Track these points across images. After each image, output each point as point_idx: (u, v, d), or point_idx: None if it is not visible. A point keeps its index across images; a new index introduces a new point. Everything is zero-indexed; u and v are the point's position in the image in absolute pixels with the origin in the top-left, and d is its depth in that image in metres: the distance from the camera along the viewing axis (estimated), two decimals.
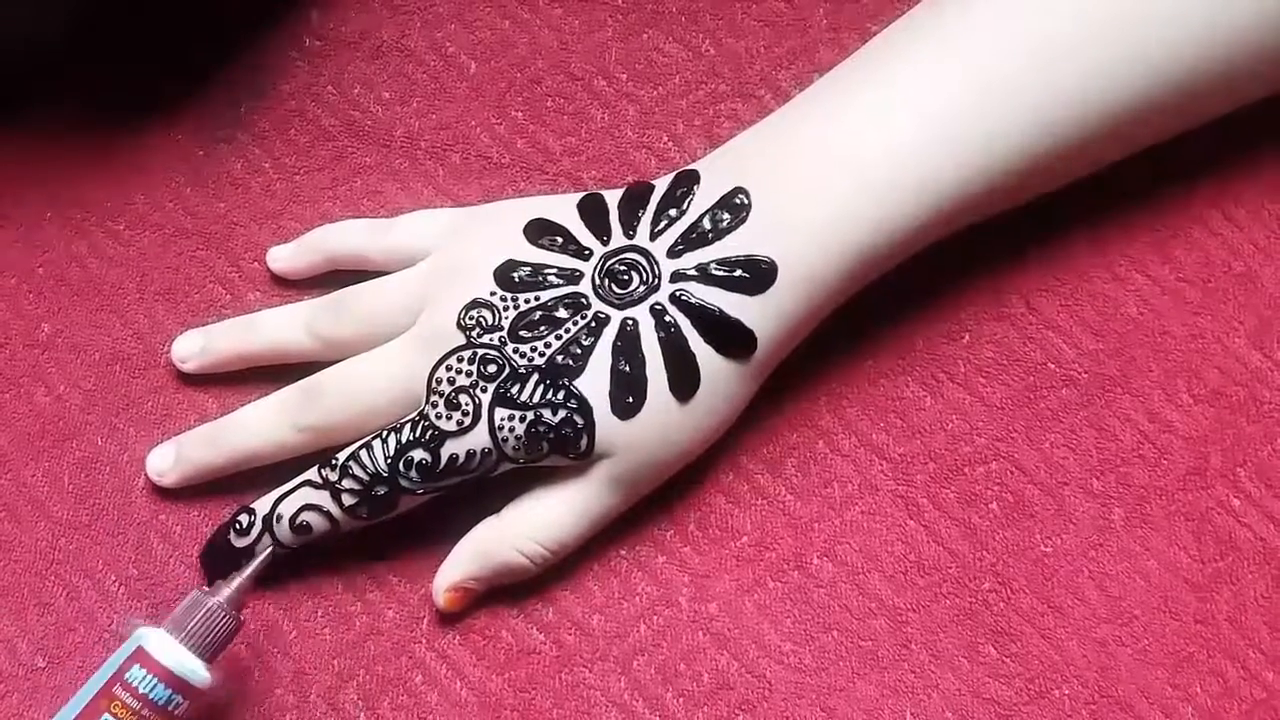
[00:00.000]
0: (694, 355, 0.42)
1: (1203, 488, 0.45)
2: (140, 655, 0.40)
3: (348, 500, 0.43)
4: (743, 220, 0.42)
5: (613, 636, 0.44)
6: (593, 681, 0.44)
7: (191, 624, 0.41)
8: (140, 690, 0.40)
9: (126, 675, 0.40)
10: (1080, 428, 0.45)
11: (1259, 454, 0.45)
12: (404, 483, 0.42)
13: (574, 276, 0.43)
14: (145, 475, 0.45)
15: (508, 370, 0.42)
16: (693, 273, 0.42)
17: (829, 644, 0.44)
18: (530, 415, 0.42)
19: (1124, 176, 0.45)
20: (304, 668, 0.44)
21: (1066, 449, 0.45)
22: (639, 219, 0.44)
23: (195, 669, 0.41)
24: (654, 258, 0.43)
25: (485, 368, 0.42)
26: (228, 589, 0.41)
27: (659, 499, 0.45)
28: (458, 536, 0.44)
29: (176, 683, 0.40)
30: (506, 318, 0.42)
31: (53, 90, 0.50)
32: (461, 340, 0.42)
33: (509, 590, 0.44)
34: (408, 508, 0.43)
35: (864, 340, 0.46)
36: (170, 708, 0.40)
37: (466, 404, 0.42)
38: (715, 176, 0.43)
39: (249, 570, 0.42)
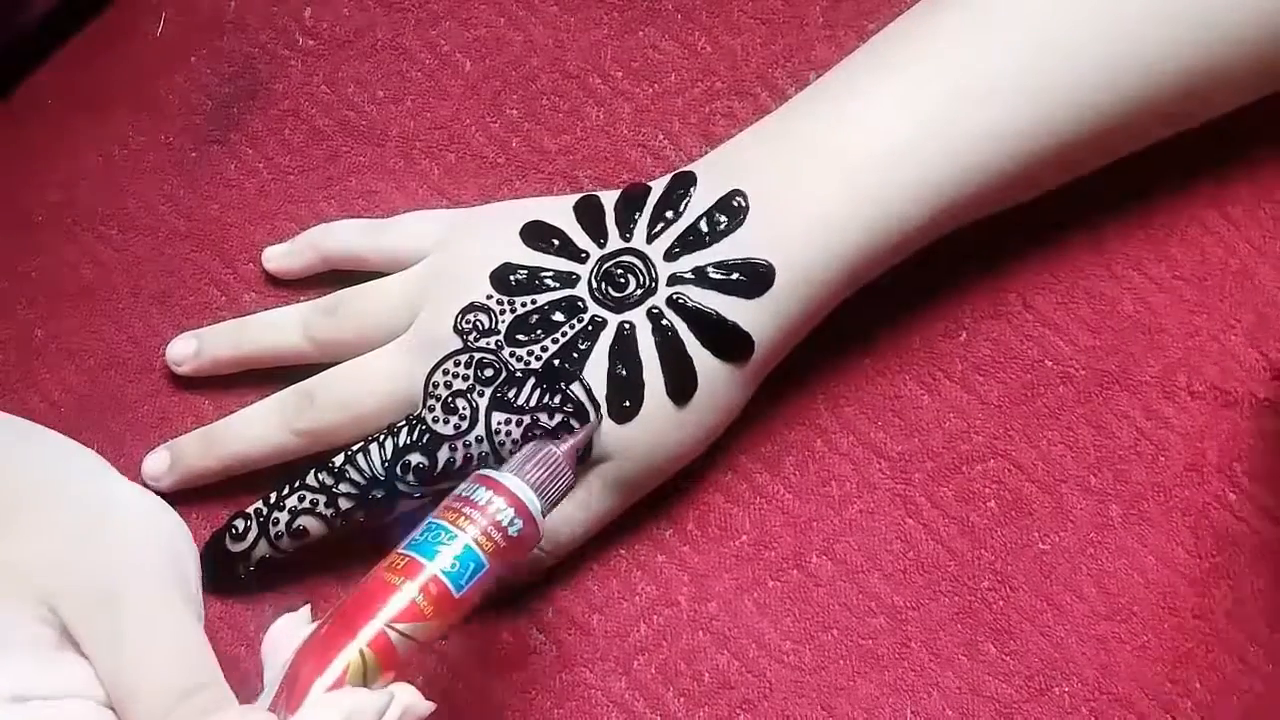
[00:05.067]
0: (691, 359, 0.42)
1: (1200, 484, 0.45)
2: (485, 479, 0.39)
3: (345, 504, 0.42)
4: (740, 223, 0.42)
5: (613, 636, 0.44)
6: (593, 681, 0.44)
7: (533, 469, 0.39)
8: (487, 508, 0.38)
9: (472, 494, 0.38)
10: (1078, 425, 0.45)
11: (1255, 449, 0.45)
12: (401, 486, 0.42)
13: (570, 280, 0.43)
14: (142, 479, 0.45)
15: (504, 374, 0.42)
16: (690, 276, 0.42)
17: (829, 642, 0.44)
18: (527, 419, 0.42)
19: (1121, 175, 0.45)
20: None
21: (1064, 446, 0.45)
22: (635, 221, 0.43)
23: (535, 504, 0.39)
24: (651, 260, 0.43)
25: (482, 371, 0.42)
26: (563, 445, 0.40)
27: (658, 499, 0.45)
28: None
29: (523, 511, 0.38)
30: (503, 321, 0.42)
31: (41, 92, 0.50)
32: (458, 344, 0.42)
33: (509, 590, 0.44)
34: (405, 511, 0.43)
35: (862, 339, 0.46)
36: (513, 533, 0.38)
37: (463, 408, 0.42)
38: (712, 178, 0.43)
39: (582, 434, 0.41)
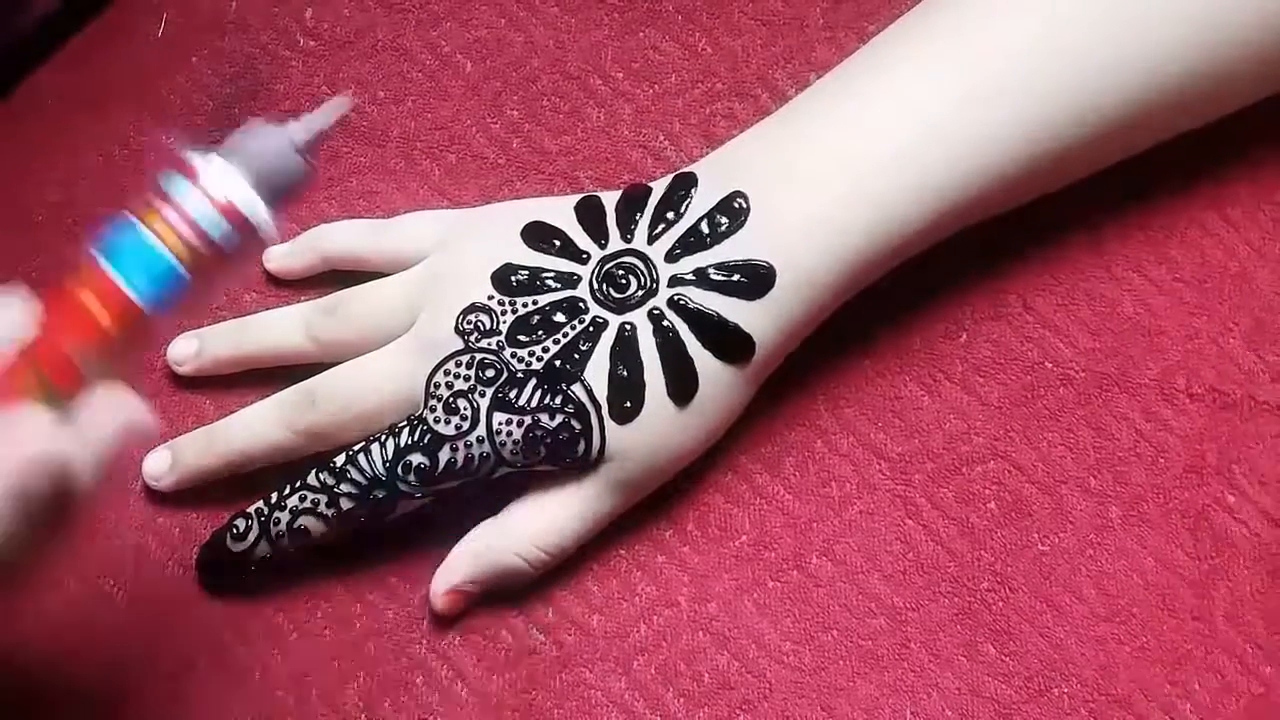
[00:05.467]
0: (692, 360, 0.42)
1: (1199, 485, 0.45)
2: (189, 172, 0.33)
3: (346, 504, 0.42)
4: (741, 224, 0.42)
5: (613, 636, 0.44)
6: (593, 681, 0.44)
7: (252, 155, 0.33)
8: (185, 208, 0.32)
9: (168, 187, 0.33)
10: (1077, 427, 0.46)
11: (1253, 451, 0.45)
12: (402, 487, 0.42)
13: (571, 280, 0.43)
14: (142, 479, 0.45)
15: (506, 375, 0.42)
16: (690, 277, 0.42)
17: (829, 643, 0.44)
18: (528, 420, 0.42)
19: (1121, 177, 0.45)
20: (304, 669, 0.44)
21: (1064, 448, 0.45)
22: (636, 222, 0.43)
23: (255, 206, 0.33)
24: (652, 261, 0.43)
25: (483, 372, 0.42)
26: (299, 127, 0.34)
27: (658, 499, 0.45)
28: (457, 537, 0.44)
29: (233, 215, 0.33)
30: (504, 322, 0.42)
31: (41, 92, 0.50)
32: (459, 345, 0.42)
33: (509, 590, 0.44)
34: (405, 511, 0.43)
35: (862, 339, 0.46)
36: (219, 240, 0.33)
37: (465, 408, 0.42)
38: (713, 180, 0.43)
39: (323, 114, 0.35)
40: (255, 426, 0.44)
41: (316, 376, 0.44)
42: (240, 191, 0.33)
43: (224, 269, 0.34)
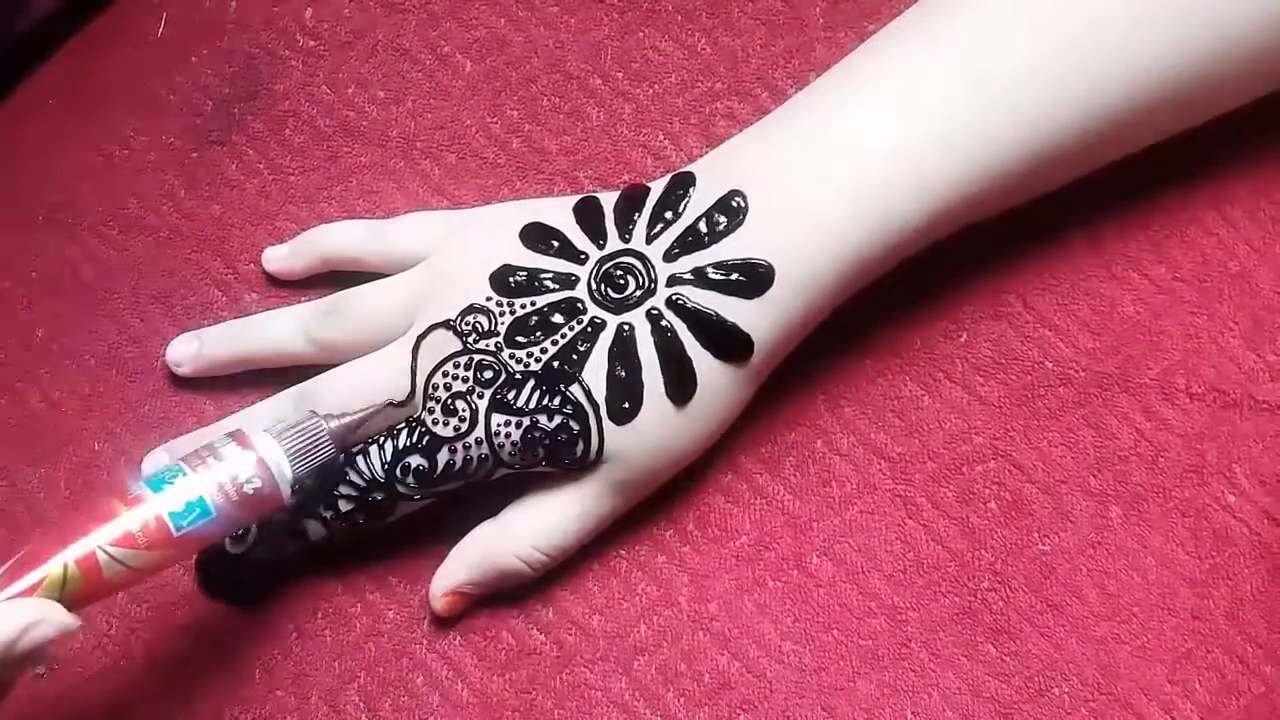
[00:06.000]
0: (691, 360, 0.42)
1: (1199, 485, 0.45)
2: (238, 435, 0.39)
3: (345, 506, 0.42)
4: (740, 223, 0.42)
5: (613, 636, 0.44)
6: (594, 682, 0.44)
7: (291, 436, 0.40)
8: (227, 460, 0.39)
9: (220, 447, 0.39)
10: (1078, 426, 0.45)
11: (1253, 451, 0.45)
12: (401, 489, 0.42)
13: (570, 281, 0.43)
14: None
15: (504, 376, 0.42)
16: (689, 277, 0.42)
17: (829, 643, 0.44)
18: (526, 421, 0.42)
19: (1121, 176, 0.45)
20: (304, 669, 0.44)
21: (1064, 447, 0.45)
22: (635, 222, 0.43)
23: (285, 470, 0.39)
24: (650, 261, 0.43)
25: (481, 373, 0.42)
26: (337, 420, 0.41)
27: (658, 499, 0.45)
28: (457, 537, 0.44)
29: (264, 471, 0.39)
30: (502, 323, 0.42)
31: (41, 92, 0.50)
32: (458, 346, 0.42)
33: (509, 591, 0.44)
34: (405, 513, 0.43)
35: (862, 339, 0.46)
36: (248, 490, 0.39)
37: (463, 410, 0.42)
38: (711, 179, 0.43)
39: (361, 414, 0.41)
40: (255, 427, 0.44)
41: (316, 378, 0.44)
42: (276, 457, 0.39)
43: (249, 511, 0.39)
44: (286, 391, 0.44)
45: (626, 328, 0.42)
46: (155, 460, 0.45)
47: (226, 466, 0.39)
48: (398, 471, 0.42)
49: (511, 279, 0.43)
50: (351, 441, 0.41)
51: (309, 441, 0.40)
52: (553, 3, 0.50)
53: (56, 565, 0.36)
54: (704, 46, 0.50)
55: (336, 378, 0.44)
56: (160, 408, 0.47)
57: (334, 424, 0.41)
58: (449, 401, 0.42)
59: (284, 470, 0.39)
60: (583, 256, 0.43)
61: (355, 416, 0.41)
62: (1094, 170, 0.45)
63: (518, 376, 0.42)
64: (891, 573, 0.44)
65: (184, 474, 0.38)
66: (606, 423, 0.42)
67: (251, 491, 0.39)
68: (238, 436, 0.39)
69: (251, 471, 0.39)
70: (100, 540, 0.37)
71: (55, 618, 0.36)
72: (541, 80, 0.50)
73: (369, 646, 0.44)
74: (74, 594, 0.36)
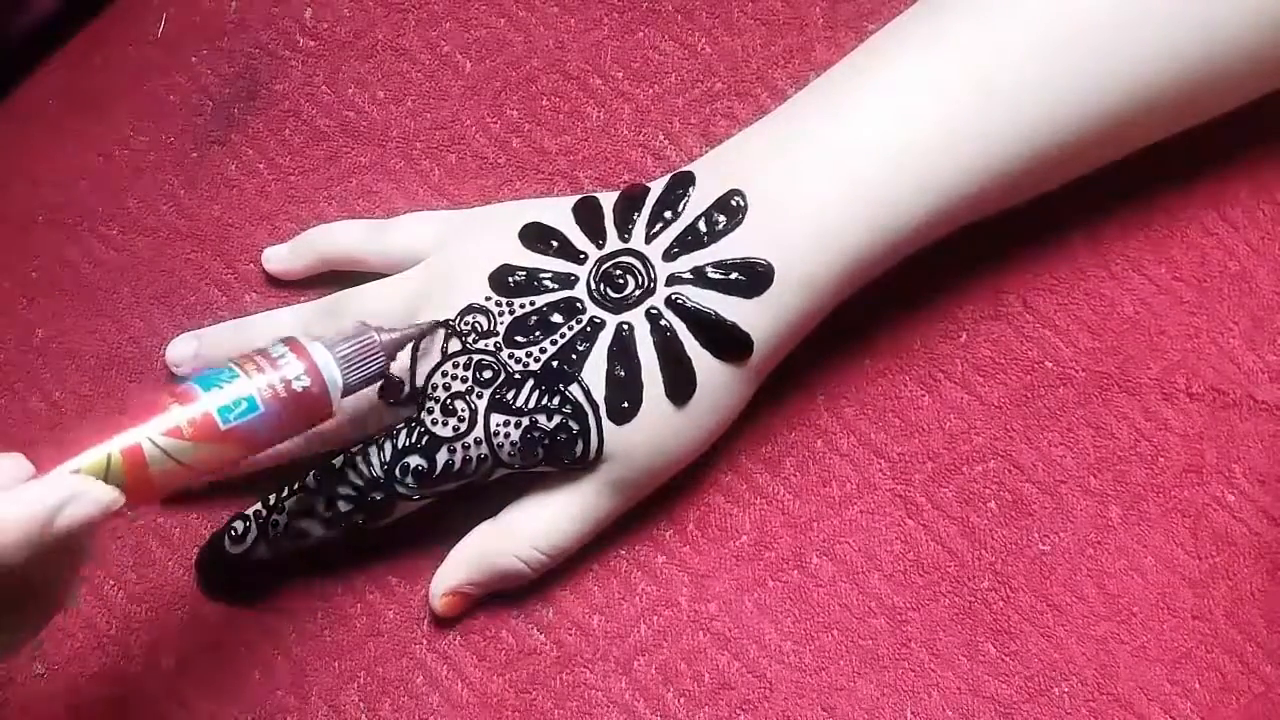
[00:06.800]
0: (690, 359, 0.42)
1: (1199, 485, 0.45)
2: (291, 342, 0.39)
3: (344, 506, 0.42)
4: (739, 222, 0.42)
5: (613, 636, 0.44)
6: (594, 682, 0.44)
7: (345, 346, 0.40)
8: (279, 361, 0.38)
9: (273, 351, 0.39)
10: (1077, 426, 0.45)
11: (1253, 451, 0.45)
12: (400, 489, 0.42)
13: (569, 281, 0.43)
14: None
15: (503, 376, 0.42)
16: (688, 276, 0.42)
17: (829, 643, 0.44)
18: (525, 421, 0.42)
19: (1121, 176, 0.45)
20: (304, 669, 0.44)
21: (1064, 447, 0.45)
22: (634, 222, 0.43)
23: (336, 377, 0.39)
24: (649, 261, 0.43)
25: (481, 373, 0.42)
26: (388, 333, 0.41)
27: (658, 499, 0.45)
28: (457, 537, 0.44)
29: (314, 373, 0.39)
30: (502, 323, 0.42)
31: (41, 92, 0.50)
32: (457, 346, 0.42)
33: (509, 591, 0.44)
34: (404, 513, 0.43)
35: (862, 339, 0.46)
36: (298, 388, 0.38)
37: (462, 410, 0.42)
38: (711, 178, 0.43)
39: (412, 330, 0.41)
40: None
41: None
42: (326, 362, 0.39)
43: (297, 412, 0.39)
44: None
45: (626, 327, 0.42)
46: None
47: (276, 367, 0.38)
48: (397, 471, 0.42)
49: (511, 279, 0.43)
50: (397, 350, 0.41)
51: (361, 352, 0.40)
52: (553, 3, 0.50)
53: (99, 453, 0.35)
54: (704, 46, 0.50)
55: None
56: None
57: (385, 337, 0.41)
58: (448, 401, 0.42)
59: (335, 376, 0.39)
60: (582, 256, 0.43)
61: (406, 332, 0.41)
62: (1094, 169, 0.45)
63: (517, 376, 0.42)
64: (891, 573, 0.44)
65: (232, 373, 0.38)
66: (606, 422, 0.42)
67: (300, 389, 0.38)
68: (290, 342, 0.39)
69: (301, 370, 0.38)
70: (147, 432, 0.36)
71: (93, 492, 0.34)
72: (541, 80, 0.50)
73: (369, 646, 0.44)
74: (114, 483, 0.35)
